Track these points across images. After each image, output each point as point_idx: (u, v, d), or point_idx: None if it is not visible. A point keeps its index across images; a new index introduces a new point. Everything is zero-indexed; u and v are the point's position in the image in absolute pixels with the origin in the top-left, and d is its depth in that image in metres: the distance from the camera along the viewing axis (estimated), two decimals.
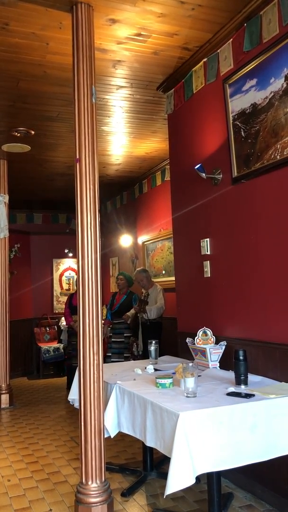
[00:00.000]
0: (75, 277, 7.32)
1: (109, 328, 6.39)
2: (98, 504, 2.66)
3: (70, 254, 8.94)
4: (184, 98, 4.03)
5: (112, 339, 6.25)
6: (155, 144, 5.89)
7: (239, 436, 2.35)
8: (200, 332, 3.39)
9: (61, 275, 9.12)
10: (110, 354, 6.17)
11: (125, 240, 7.87)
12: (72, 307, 6.80)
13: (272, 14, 2.94)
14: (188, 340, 3.48)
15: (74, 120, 2.88)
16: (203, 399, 2.50)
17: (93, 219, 2.82)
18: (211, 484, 2.59)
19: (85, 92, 2.86)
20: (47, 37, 3.39)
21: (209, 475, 2.57)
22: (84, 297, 2.79)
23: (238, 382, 2.75)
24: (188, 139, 4.02)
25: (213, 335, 3.39)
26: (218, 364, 3.30)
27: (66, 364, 6.95)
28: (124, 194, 8.13)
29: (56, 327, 8.51)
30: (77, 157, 2.84)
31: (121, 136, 5.60)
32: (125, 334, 6.17)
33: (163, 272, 6.61)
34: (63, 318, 7.78)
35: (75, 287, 7.13)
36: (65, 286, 8.97)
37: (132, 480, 3.39)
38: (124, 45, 3.56)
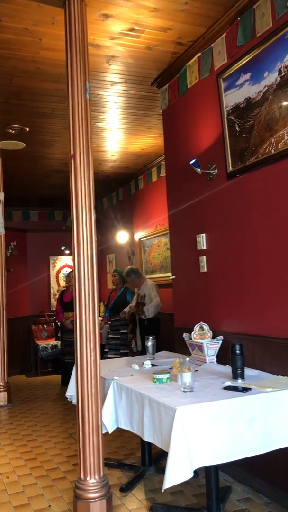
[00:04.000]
0: (66, 272, 7.30)
1: (107, 325, 6.39)
2: (97, 499, 2.67)
3: (67, 251, 8.93)
4: (179, 93, 4.03)
5: (109, 335, 6.27)
6: (150, 140, 5.88)
7: (236, 430, 2.36)
8: (197, 327, 3.39)
9: (58, 272, 9.11)
10: (107, 350, 6.19)
11: (121, 237, 7.86)
12: (63, 303, 6.81)
13: (265, 7, 2.93)
14: (185, 335, 3.49)
15: (68, 116, 2.87)
16: (200, 394, 2.51)
17: (88, 216, 2.81)
18: (209, 478, 2.60)
19: (79, 88, 2.84)
20: (40, 32, 3.37)
21: (207, 469, 2.58)
22: (80, 293, 2.78)
23: (235, 376, 2.76)
24: (183, 134, 4.01)
25: (209, 329, 3.40)
26: (215, 359, 3.31)
27: (61, 360, 6.97)
28: (120, 191, 8.12)
29: (53, 325, 8.51)
30: (72, 153, 2.83)
31: (116, 132, 5.59)
32: (121, 331, 6.18)
33: (166, 269, 6.61)
34: None
35: (67, 283, 7.12)
36: (62, 283, 8.95)
37: (131, 476, 3.41)
38: (117, 40, 3.55)
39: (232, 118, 3.27)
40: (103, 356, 5.97)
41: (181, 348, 3.78)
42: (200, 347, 3.34)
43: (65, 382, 6.68)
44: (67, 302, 6.71)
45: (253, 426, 2.40)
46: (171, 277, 4.28)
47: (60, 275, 9.07)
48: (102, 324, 6.52)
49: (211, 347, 3.31)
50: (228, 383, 2.69)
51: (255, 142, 3.04)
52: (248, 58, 3.07)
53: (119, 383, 2.95)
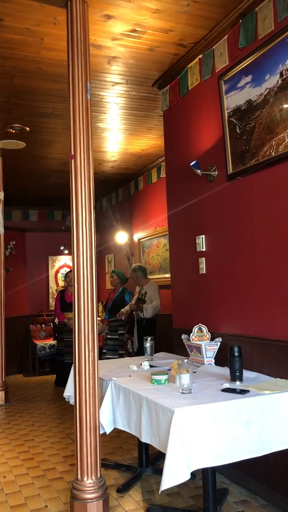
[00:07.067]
0: (64, 272, 7.28)
1: (106, 326, 6.38)
2: (93, 500, 2.67)
3: (66, 251, 8.93)
4: (180, 95, 4.03)
5: (107, 336, 6.27)
6: (150, 141, 5.88)
7: (234, 432, 2.36)
8: (195, 329, 3.39)
9: (56, 272, 9.11)
10: (105, 351, 6.18)
11: (120, 237, 7.86)
12: (65, 304, 6.78)
13: (267, 10, 2.94)
14: (183, 336, 3.49)
15: (68, 116, 2.87)
16: (198, 395, 2.51)
17: (88, 216, 2.81)
18: (206, 479, 2.60)
19: (80, 88, 2.84)
20: (41, 33, 3.37)
21: (204, 471, 2.58)
22: (79, 294, 2.78)
23: (233, 378, 2.76)
24: (183, 135, 4.02)
25: (208, 331, 3.40)
26: (213, 361, 3.31)
27: (58, 360, 6.94)
28: (119, 191, 8.12)
29: (52, 324, 8.51)
30: (72, 153, 2.83)
31: (116, 133, 5.59)
32: (119, 332, 6.17)
33: (165, 270, 6.61)
34: None
35: (66, 283, 7.10)
36: (60, 283, 8.95)
37: (128, 476, 3.40)
38: (119, 41, 3.55)
39: (233, 120, 3.27)
40: (101, 357, 5.97)
41: (180, 349, 3.78)
42: (198, 349, 3.34)
43: (59, 382, 6.69)
44: (70, 302, 6.69)
45: (251, 428, 2.40)
46: None
47: (59, 275, 9.07)
48: (104, 327, 6.49)
49: (210, 348, 3.31)
50: (226, 385, 2.69)
51: (255, 144, 3.05)
52: (250, 61, 3.08)
53: (117, 384, 2.95)
